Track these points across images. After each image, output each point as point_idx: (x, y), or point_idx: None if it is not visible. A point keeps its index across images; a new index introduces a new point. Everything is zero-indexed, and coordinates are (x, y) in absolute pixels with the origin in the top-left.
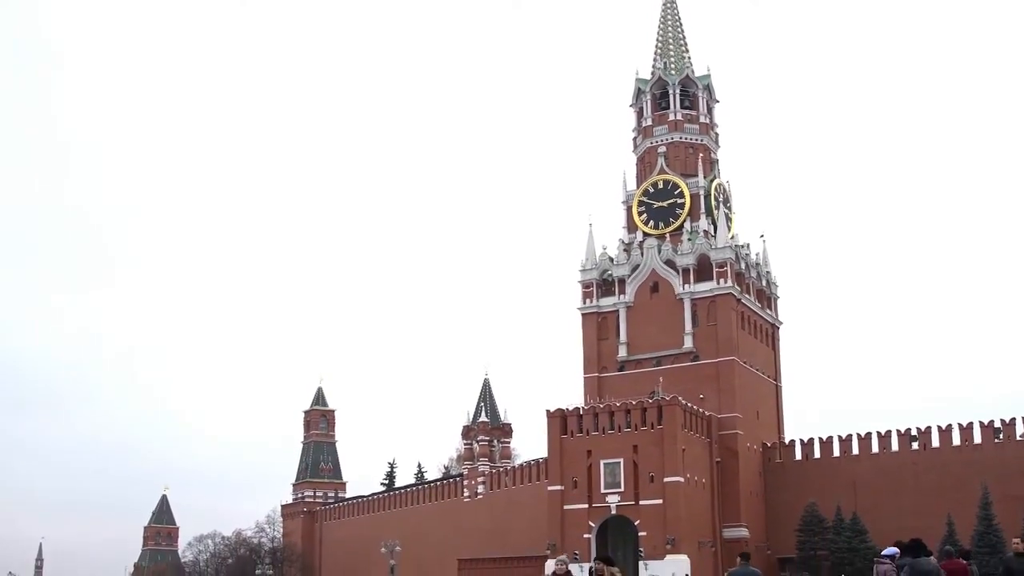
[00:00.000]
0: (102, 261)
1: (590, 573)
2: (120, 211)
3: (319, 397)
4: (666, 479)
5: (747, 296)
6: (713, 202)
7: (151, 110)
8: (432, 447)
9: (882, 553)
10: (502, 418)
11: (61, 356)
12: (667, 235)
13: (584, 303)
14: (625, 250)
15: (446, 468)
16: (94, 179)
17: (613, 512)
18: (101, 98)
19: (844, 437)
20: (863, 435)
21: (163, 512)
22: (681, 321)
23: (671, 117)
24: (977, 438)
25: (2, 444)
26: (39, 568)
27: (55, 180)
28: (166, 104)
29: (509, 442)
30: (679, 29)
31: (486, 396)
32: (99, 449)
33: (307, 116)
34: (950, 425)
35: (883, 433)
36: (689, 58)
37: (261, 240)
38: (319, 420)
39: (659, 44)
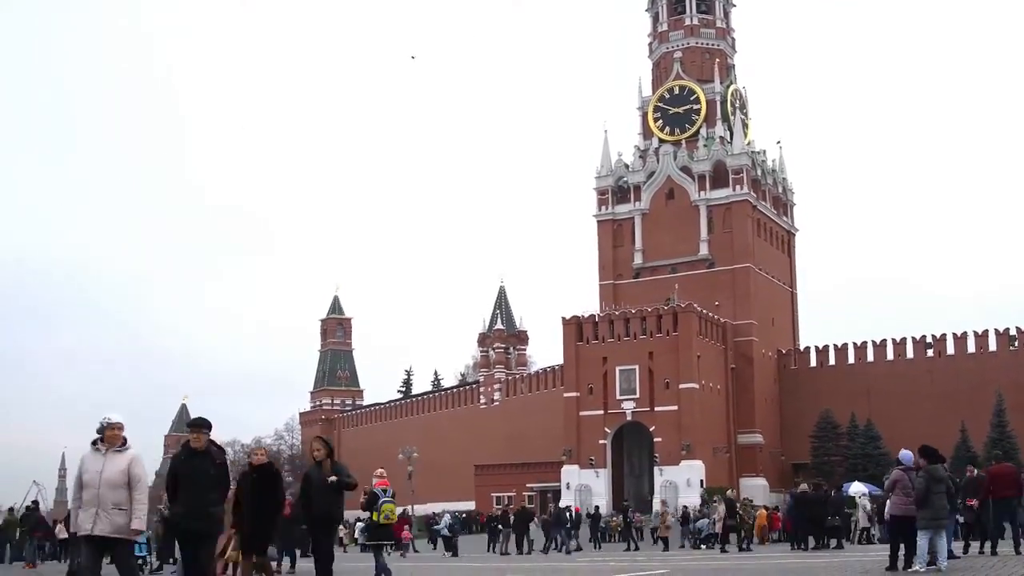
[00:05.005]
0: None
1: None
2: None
3: (335, 305)
4: (681, 386)
5: (763, 203)
6: (729, 108)
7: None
8: (448, 355)
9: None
10: (518, 325)
11: (119, 267)
12: (683, 141)
13: (599, 210)
14: (640, 157)
15: (462, 375)
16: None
17: (628, 418)
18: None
19: (859, 344)
20: (878, 342)
21: (183, 421)
22: (697, 228)
23: (687, 22)
24: (992, 346)
25: (36, 354)
26: (62, 476)
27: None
28: (200, 33)
29: (525, 349)
30: None
31: (502, 303)
32: (123, 357)
33: (324, 33)
34: (965, 332)
35: (898, 340)
36: None
37: (279, 149)
38: (336, 328)
39: None
